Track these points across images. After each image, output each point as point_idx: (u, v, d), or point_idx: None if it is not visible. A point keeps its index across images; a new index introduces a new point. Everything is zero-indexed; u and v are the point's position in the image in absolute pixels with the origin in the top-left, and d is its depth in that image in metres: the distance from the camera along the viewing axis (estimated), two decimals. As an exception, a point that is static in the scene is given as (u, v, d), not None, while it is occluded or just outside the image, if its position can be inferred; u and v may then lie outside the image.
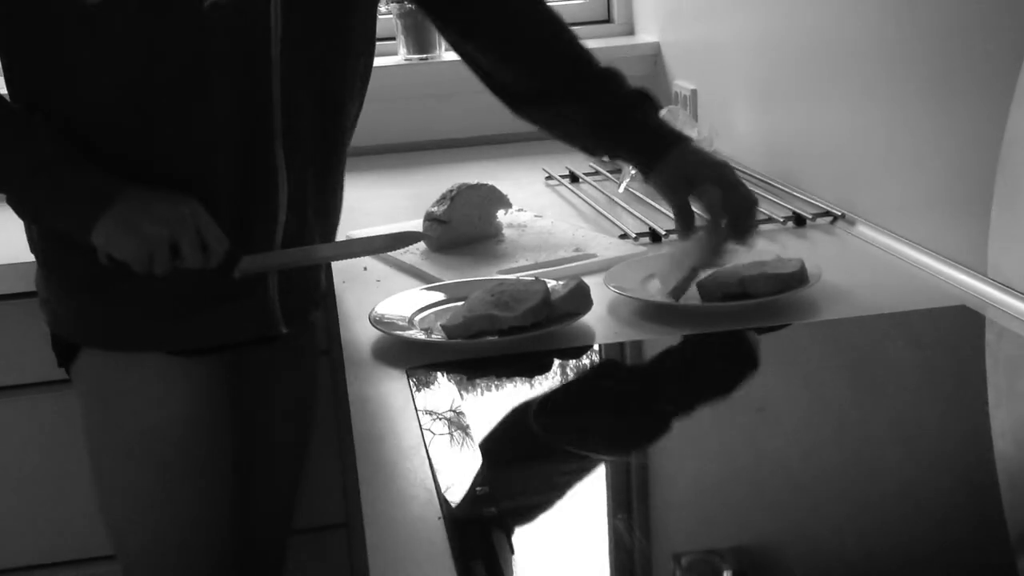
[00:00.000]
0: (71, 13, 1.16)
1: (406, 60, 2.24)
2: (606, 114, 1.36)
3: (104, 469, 1.37)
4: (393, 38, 2.26)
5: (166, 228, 1.19)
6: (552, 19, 1.42)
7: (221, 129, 1.23)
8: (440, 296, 1.32)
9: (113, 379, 1.33)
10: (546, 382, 1.17)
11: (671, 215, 1.55)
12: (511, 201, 1.60)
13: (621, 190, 1.75)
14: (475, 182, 1.58)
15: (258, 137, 1.25)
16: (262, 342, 1.37)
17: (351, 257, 1.45)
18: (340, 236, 1.52)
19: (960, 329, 1.21)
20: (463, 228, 1.53)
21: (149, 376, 1.32)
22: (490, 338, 1.19)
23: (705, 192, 1.31)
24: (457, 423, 1.06)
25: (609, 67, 1.38)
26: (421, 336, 1.22)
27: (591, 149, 1.43)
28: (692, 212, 1.32)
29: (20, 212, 1.27)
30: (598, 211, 1.69)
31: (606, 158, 1.53)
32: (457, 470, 0.96)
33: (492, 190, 1.57)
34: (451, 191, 1.55)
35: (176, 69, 1.20)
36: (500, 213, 1.59)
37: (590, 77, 1.38)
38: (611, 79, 1.38)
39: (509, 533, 0.85)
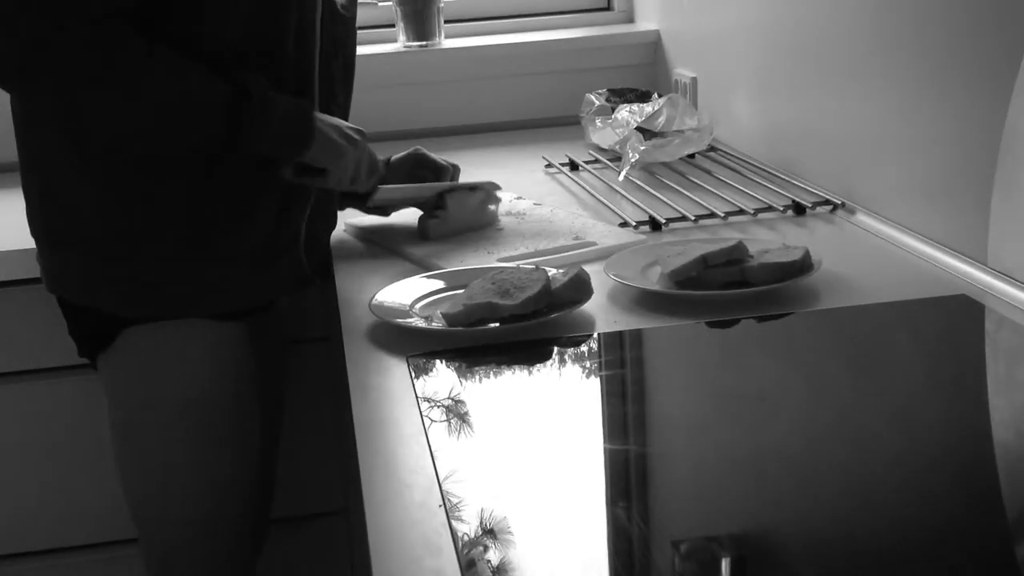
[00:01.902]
0: None
1: (405, 47, 2.23)
2: None
3: (139, 448, 1.39)
4: (392, 25, 2.25)
5: (358, 146, 1.36)
6: None
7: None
8: (440, 284, 1.32)
9: (156, 353, 1.36)
10: (546, 370, 1.17)
11: (670, 203, 1.58)
12: (499, 196, 1.59)
13: (621, 178, 1.74)
14: (467, 189, 1.56)
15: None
16: (267, 306, 1.44)
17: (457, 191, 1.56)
18: (341, 220, 1.54)
19: (960, 318, 1.21)
20: (459, 222, 1.53)
21: (193, 344, 1.36)
22: (490, 326, 1.19)
23: (416, 176, 1.57)
24: (457, 411, 1.06)
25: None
26: (421, 324, 1.22)
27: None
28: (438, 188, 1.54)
29: (229, 147, 1.28)
30: (598, 199, 1.69)
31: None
32: (457, 458, 0.96)
33: (482, 195, 1.56)
34: (441, 200, 1.54)
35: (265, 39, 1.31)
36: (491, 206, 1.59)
37: None
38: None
39: (510, 519, 0.85)
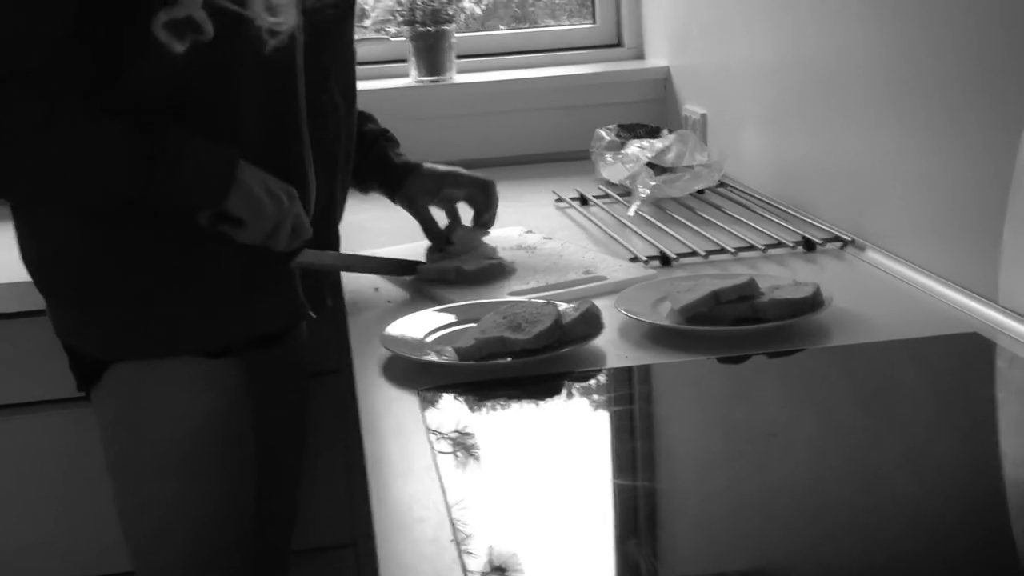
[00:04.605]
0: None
1: (417, 82, 2.25)
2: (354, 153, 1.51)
3: (133, 483, 1.39)
4: (405, 60, 2.27)
5: (283, 206, 1.29)
6: None
7: (252, 136, 1.30)
8: (451, 317, 1.32)
9: (144, 390, 1.35)
10: (557, 404, 1.17)
11: (680, 238, 1.58)
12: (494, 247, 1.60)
13: (631, 213, 1.75)
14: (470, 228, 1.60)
15: (288, 144, 1.33)
16: (271, 341, 1.42)
17: (396, 275, 1.51)
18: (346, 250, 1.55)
19: (971, 356, 1.21)
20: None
21: (181, 381, 1.35)
22: (502, 360, 1.20)
23: (446, 196, 1.56)
24: (468, 445, 1.06)
25: (360, 112, 1.55)
26: (433, 358, 1.22)
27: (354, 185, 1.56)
28: (433, 220, 1.56)
29: (142, 198, 1.24)
30: (608, 234, 1.70)
31: (362, 192, 1.62)
32: (468, 492, 0.96)
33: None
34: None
35: (211, 97, 1.26)
36: (493, 233, 1.60)
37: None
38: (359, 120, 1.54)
39: (521, 555, 0.85)
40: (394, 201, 1.59)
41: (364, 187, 1.59)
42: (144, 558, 1.42)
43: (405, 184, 1.56)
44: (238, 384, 1.38)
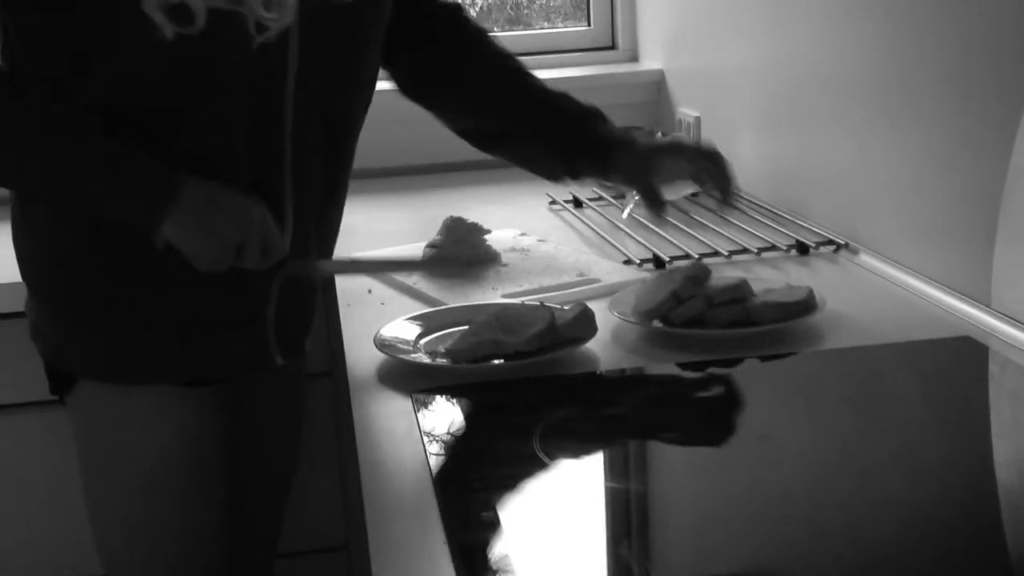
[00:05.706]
0: (134, 28, 1.15)
1: (411, 84, 2.24)
2: (558, 133, 1.41)
3: (100, 502, 1.36)
4: (399, 62, 2.27)
5: (239, 229, 1.21)
6: (500, 59, 1.46)
7: (232, 154, 1.24)
8: (445, 320, 1.32)
9: (111, 411, 1.32)
10: (550, 407, 1.17)
11: (674, 241, 1.58)
12: (484, 227, 1.60)
13: (625, 216, 1.75)
14: (457, 215, 1.60)
15: (268, 163, 1.26)
16: (255, 370, 1.37)
17: (385, 272, 1.49)
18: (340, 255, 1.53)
19: (964, 360, 1.22)
20: (453, 252, 1.55)
21: (148, 408, 1.31)
22: (495, 362, 1.19)
23: (664, 169, 1.37)
24: (461, 447, 1.06)
25: (559, 91, 1.43)
26: (426, 360, 1.22)
27: (553, 173, 1.45)
28: (657, 191, 1.37)
29: (76, 203, 1.22)
30: (602, 236, 1.70)
31: (569, 181, 1.49)
32: (462, 495, 0.96)
33: (470, 225, 1.59)
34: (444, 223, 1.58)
35: (192, 94, 1.21)
36: (488, 237, 1.59)
37: (542, 107, 1.43)
38: (560, 100, 1.42)
39: (513, 558, 0.85)
40: (609, 181, 1.47)
41: (573, 170, 1.43)
42: (114, 571, 1.41)
43: (611, 159, 1.39)
44: (211, 406, 1.34)
